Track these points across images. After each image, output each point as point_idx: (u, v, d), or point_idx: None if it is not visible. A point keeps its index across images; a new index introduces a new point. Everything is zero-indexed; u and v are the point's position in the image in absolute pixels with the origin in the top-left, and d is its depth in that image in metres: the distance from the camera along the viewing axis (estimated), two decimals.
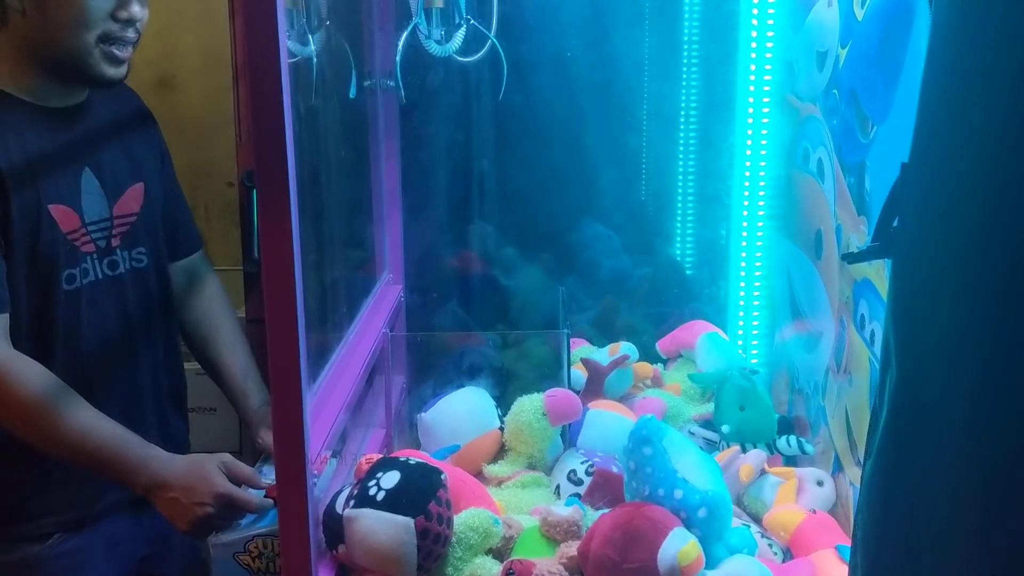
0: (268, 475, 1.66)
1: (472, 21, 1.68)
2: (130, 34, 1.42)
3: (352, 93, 1.69)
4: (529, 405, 1.58)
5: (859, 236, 1.38)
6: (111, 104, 1.55)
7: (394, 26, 1.83)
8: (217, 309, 1.72)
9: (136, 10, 1.41)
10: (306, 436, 1.10)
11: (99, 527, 1.54)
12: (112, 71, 1.43)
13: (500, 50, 1.71)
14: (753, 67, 1.90)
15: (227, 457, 1.42)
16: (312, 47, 1.50)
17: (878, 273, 1.30)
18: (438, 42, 1.69)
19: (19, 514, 1.46)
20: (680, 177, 2.11)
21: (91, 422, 1.37)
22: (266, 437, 1.56)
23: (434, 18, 1.67)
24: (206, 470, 1.37)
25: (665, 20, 2.03)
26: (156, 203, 1.61)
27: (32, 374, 1.35)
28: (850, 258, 1.19)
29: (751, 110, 1.92)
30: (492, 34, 1.69)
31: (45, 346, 1.43)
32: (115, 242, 1.52)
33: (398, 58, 1.73)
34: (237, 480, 1.39)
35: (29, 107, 1.42)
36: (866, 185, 1.36)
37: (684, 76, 2.05)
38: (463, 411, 1.62)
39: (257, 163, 1.04)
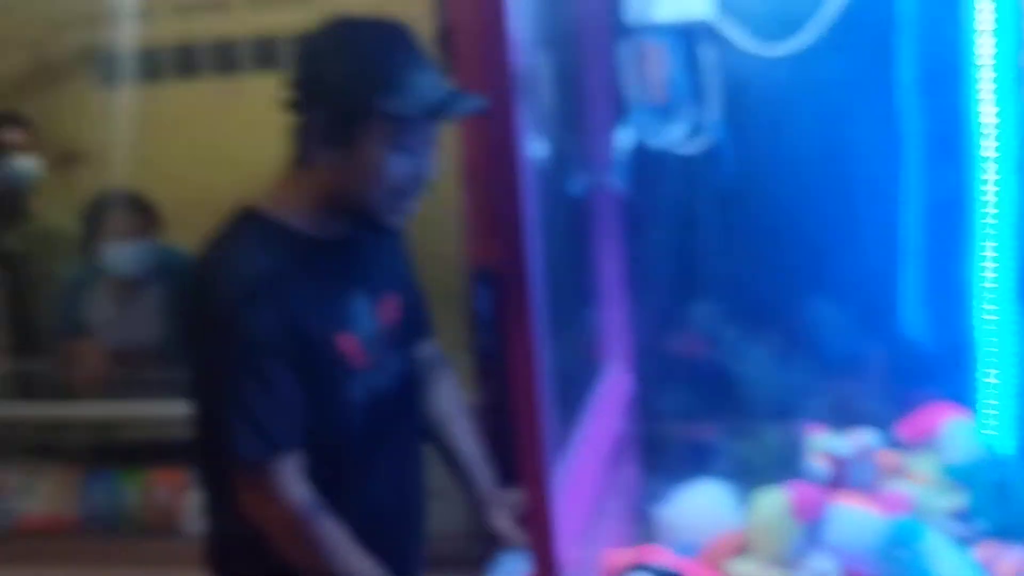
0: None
1: (694, 114, 1.70)
2: (419, 191, 1.51)
3: (576, 187, 1.74)
4: (770, 500, 1.54)
5: None
6: None
7: (615, 121, 1.88)
8: (449, 394, 1.77)
9: (428, 171, 1.49)
10: (554, 532, 1.12)
11: None
12: (396, 221, 1.52)
13: (722, 141, 1.72)
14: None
15: None
16: (540, 143, 1.56)
17: None
18: (659, 136, 1.72)
19: None
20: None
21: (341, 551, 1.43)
22: (499, 518, 1.59)
23: (655, 113, 1.71)
24: None
25: (891, 98, 1.97)
26: (410, 308, 1.69)
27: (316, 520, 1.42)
28: None
29: None
30: (714, 125, 1.70)
31: (334, 470, 1.50)
32: (385, 354, 1.60)
33: (619, 152, 1.77)
34: None
35: (314, 241, 1.52)
36: None
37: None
38: (702, 506, 1.60)
39: (502, 261, 1.09)
